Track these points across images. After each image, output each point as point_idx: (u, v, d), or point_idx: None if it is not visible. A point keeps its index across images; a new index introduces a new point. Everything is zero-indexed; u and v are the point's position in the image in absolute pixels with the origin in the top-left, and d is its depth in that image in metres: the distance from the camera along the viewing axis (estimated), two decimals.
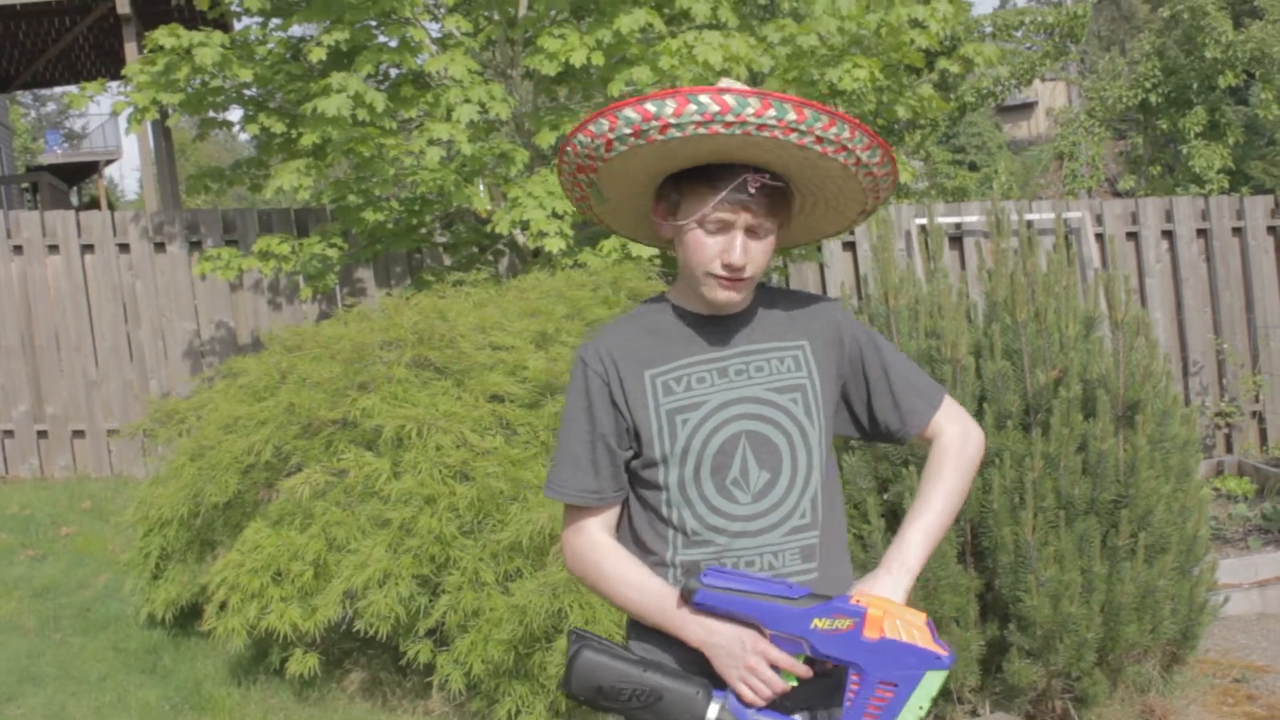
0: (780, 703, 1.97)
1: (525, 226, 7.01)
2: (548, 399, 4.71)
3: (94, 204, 29.87)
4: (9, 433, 8.86)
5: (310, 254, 7.58)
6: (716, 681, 1.98)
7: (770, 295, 2.16)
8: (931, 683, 1.89)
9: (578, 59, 6.76)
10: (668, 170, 2.03)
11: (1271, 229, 9.28)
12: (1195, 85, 14.49)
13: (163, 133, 13.44)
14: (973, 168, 25.01)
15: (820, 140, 1.91)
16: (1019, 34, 14.33)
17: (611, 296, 5.51)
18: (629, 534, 2.13)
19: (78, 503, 7.95)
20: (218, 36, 7.15)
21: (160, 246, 8.90)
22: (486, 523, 4.36)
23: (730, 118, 1.86)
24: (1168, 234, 9.26)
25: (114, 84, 9.40)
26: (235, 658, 5.03)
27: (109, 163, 30.24)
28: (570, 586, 4.02)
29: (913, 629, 1.89)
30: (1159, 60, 14.81)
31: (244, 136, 8.55)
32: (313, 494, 4.54)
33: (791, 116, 1.87)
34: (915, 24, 7.74)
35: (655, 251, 6.83)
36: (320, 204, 8.45)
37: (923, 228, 8.92)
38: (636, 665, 1.97)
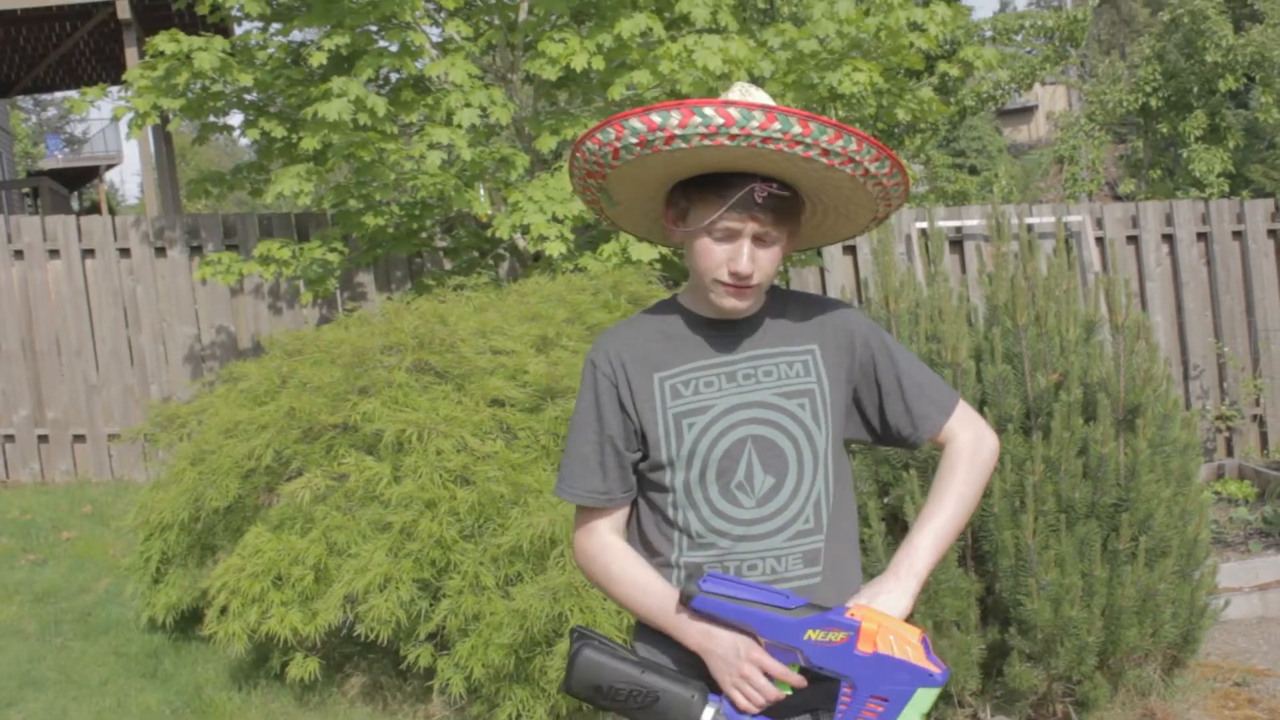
0: (777, 708, 1.97)
1: (526, 231, 7.01)
2: (548, 403, 4.71)
3: (95, 209, 29.88)
4: (10, 437, 8.87)
5: (311, 258, 7.59)
6: (714, 686, 1.99)
7: (783, 299, 2.16)
8: (923, 700, 1.90)
9: (578, 63, 6.77)
10: (677, 177, 2.04)
11: (1272, 232, 9.28)
12: (1195, 89, 14.50)
13: (163, 137, 13.45)
14: (973, 171, 25.02)
15: (827, 153, 1.91)
16: (1019, 38, 14.33)
17: (612, 301, 5.51)
18: (637, 534, 2.15)
19: (78, 507, 7.95)
20: (218, 41, 7.16)
21: (161, 251, 8.90)
22: (487, 527, 4.36)
23: (735, 130, 1.87)
24: (1168, 238, 9.26)
25: (115, 89, 9.42)
26: (236, 662, 5.03)
27: (109, 167, 30.26)
28: (570, 591, 4.02)
29: (906, 645, 1.89)
30: (1159, 64, 14.83)
31: (244, 141, 8.55)
32: (313, 498, 4.54)
33: (797, 130, 1.87)
34: (914, 27, 7.75)
35: (655, 255, 6.84)
36: (321, 208, 8.45)
37: (923, 231, 8.93)
38: (635, 666, 1.99)
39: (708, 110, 1.86)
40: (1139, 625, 4.17)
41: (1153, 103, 14.87)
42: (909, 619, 1.99)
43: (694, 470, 2.05)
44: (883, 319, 4.62)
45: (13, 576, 6.58)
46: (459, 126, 6.78)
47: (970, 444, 2.15)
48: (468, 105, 6.85)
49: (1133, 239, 9.24)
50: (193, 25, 9.77)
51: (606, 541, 2.12)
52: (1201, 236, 9.28)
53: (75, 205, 29.32)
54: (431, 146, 6.82)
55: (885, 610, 1.97)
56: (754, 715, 1.96)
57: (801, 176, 1.98)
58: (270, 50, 7.90)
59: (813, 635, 1.91)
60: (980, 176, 21.04)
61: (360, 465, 4.55)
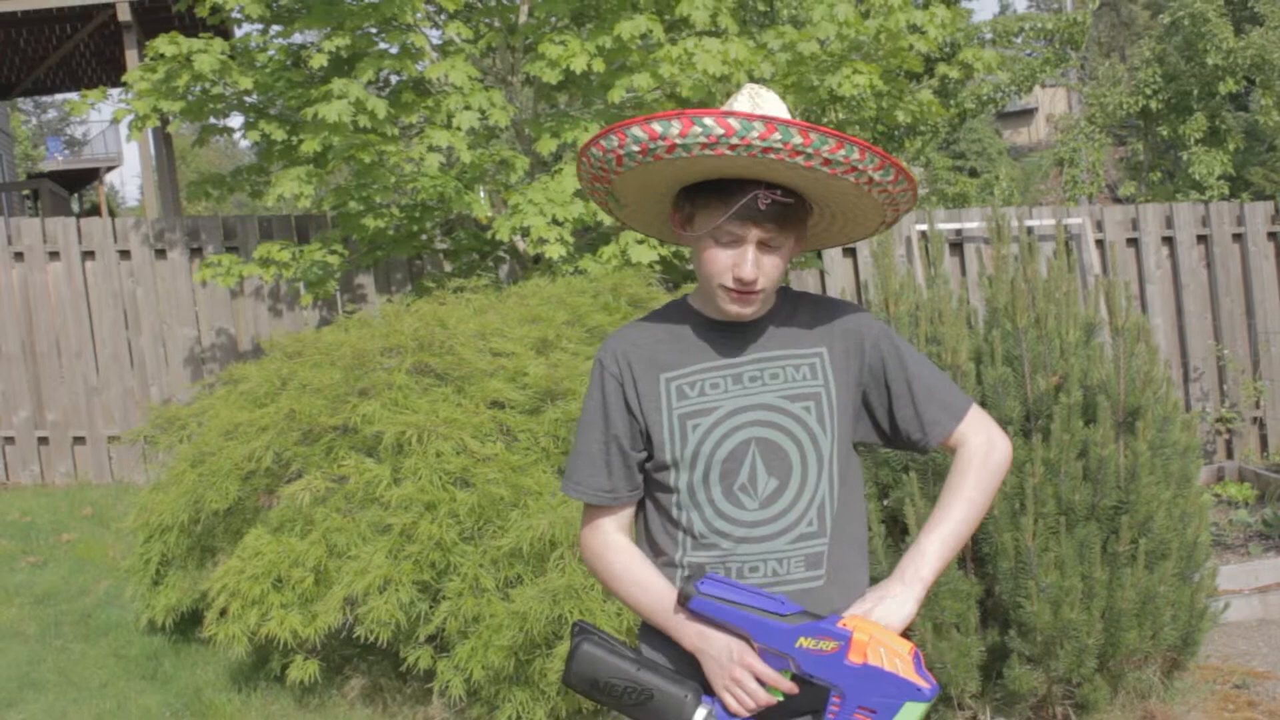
0: (774, 712, 1.98)
1: (526, 233, 7.02)
2: (548, 405, 4.71)
3: (95, 210, 29.90)
4: (10, 439, 8.87)
5: (311, 260, 7.59)
6: (710, 687, 2.01)
7: (794, 301, 2.17)
8: (910, 714, 1.90)
9: (578, 65, 6.78)
10: (683, 182, 2.05)
11: (1272, 235, 9.28)
12: (1196, 92, 14.49)
13: (163, 140, 13.46)
14: (973, 174, 25.03)
15: (828, 162, 1.91)
16: (1019, 40, 14.33)
17: (612, 303, 5.51)
18: (644, 533, 2.17)
19: (78, 509, 7.95)
20: (217, 44, 7.16)
21: (161, 253, 8.90)
22: (487, 529, 4.36)
23: (735, 140, 1.88)
24: (1168, 240, 9.26)
25: (115, 91, 9.43)
26: (236, 664, 5.03)
27: (110, 169, 30.26)
28: (570, 593, 4.02)
29: (896, 658, 1.90)
30: (1159, 67, 14.83)
31: (244, 143, 8.55)
32: (313, 500, 4.54)
33: (797, 140, 1.88)
34: (914, 29, 7.76)
35: (655, 258, 6.84)
36: (321, 211, 8.46)
37: (923, 234, 8.93)
38: (632, 663, 2.02)
39: (708, 120, 1.87)
40: (1139, 628, 4.17)
41: (1153, 105, 14.87)
42: (911, 625, 1.99)
43: (698, 471, 2.06)
44: (882, 321, 4.61)
45: (13, 578, 6.58)
46: (459, 129, 6.78)
47: (981, 449, 2.14)
48: (467, 108, 6.86)
49: (1133, 241, 9.24)
50: (193, 27, 9.78)
51: (611, 539, 2.14)
52: (1201, 239, 9.28)
53: (75, 207, 29.35)
54: (431, 149, 6.83)
55: (889, 615, 1.98)
56: (744, 718, 1.97)
57: (805, 184, 1.99)
58: (270, 52, 7.90)
59: (804, 643, 1.92)
60: (980, 179, 21.04)
61: (360, 467, 4.55)
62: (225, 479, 4.80)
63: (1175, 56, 14.72)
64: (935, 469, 4.25)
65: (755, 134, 1.87)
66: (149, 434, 6.05)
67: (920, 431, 2.14)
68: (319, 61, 7.15)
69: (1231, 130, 14.88)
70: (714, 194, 2.00)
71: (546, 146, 7.07)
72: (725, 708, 1.98)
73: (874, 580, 2.14)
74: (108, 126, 33.49)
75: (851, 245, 8.91)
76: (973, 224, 9.11)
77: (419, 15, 7.39)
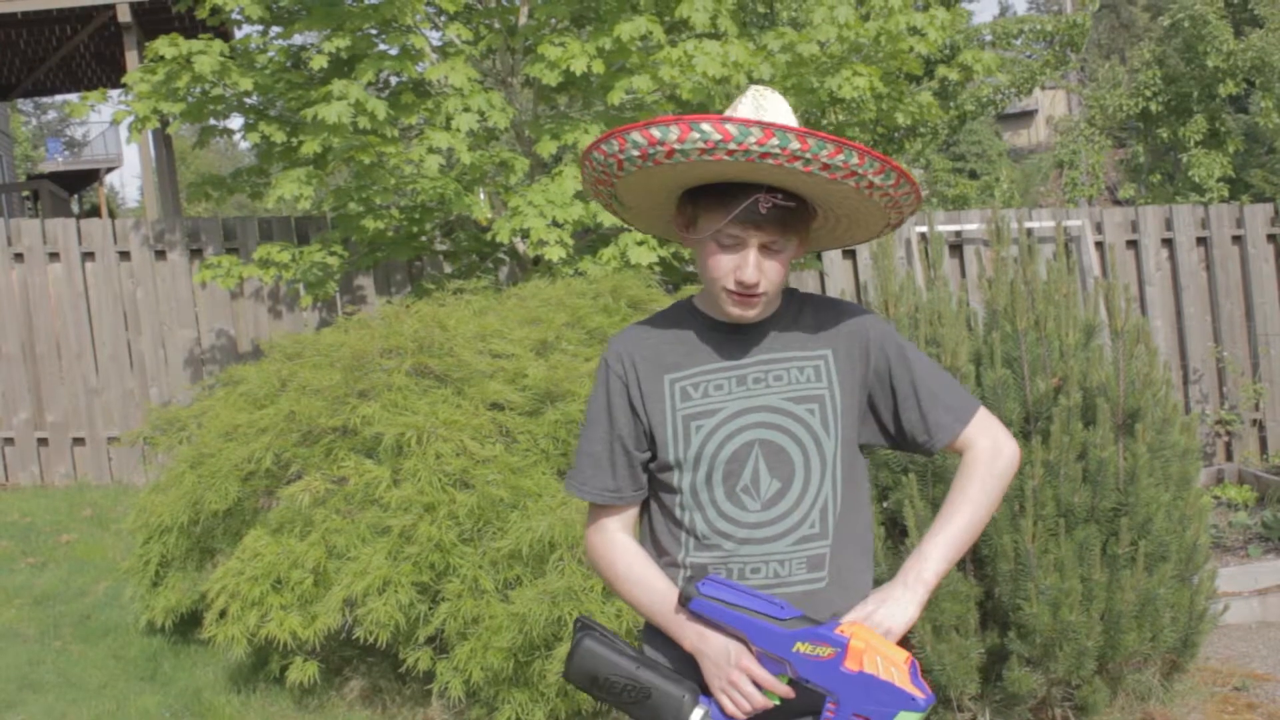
0: (776, 713, 1.98)
1: (526, 235, 7.02)
2: (547, 407, 4.71)
3: (95, 212, 29.91)
4: (9, 440, 8.87)
5: (310, 262, 7.59)
6: (708, 689, 2.02)
7: (800, 303, 2.17)
8: None
9: (578, 67, 6.78)
10: (685, 185, 2.05)
11: (1271, 237, 9.28)
12: (1196, 94, 14.48)
13: (163, 141, 13.45)
14: (973, 176, 25.04)
15: (827, 167, 1.92)
16: (1018, 42, 14.34)
17: (611, 304, 5.51)
18: (648, 533, 2.18)
19: (78, 510, 7.95)
20: (217, 45, 7.17)
21: (161, 254, 8.91)
22: (486, 530, 4.36)
23: (733, 146, 1.88)
24: (1168, 242, 9.26)
25: (115, 92, 9.43)
26: (235, 665, 5.02)
27: (110, 170, 30.30)
28: (569, 594, 4.02)
29: (892, 667, 1.91)
30: (1159, 69, 14.82)
31: (244, 144, 8.55)
32: (313, 501, 4.54)
33: (795, 146, 1.88)
34: (914, 32, 7.76)
35: (654, 259, 6.84)
36: (321, 212, 8.45)
37: (923, 236, 8.93)
38: (632, 661, 2.03)
39: (705, 126, 1.88)
40: (1138, 630, 4.17)
41: (1153, 107, 14.86)
42: (911, 628, 2.00)
43: (700, 472, 2.07)
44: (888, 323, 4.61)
45: (12, 579, 6.58)
46: (458, 130, 6.78)
47: (987, 452, 2.14)
48: (466, 109, 6.86)
49: (1132, 244, 9.25)
50: (193, 29, 9.76)
51: (614, 539, 2.15)
52: (1201, 241, 9.28)
53: (75, 208, 29.34)
54: (431, 150, 6.83)
55: (891, 617, 1.98)
56: None
57: (807, 188, 1.99)
58: (270, 54, 7.91)
59: (802, 648, 1.93)
60: (980, 181, 21.04)
61: (360, 469, 4.55)
62: (225, 480, 4.81)
63: (1175, 59, 14.71)
64: (935, 471, 4.25)
65: (753, 139, 1.87)
66: (149, 435, 6.05)
67: (926, 434, 2.14)
68: (319, 63, 7.16)
69: (1231, 132, 14.87)
70: (716, 197, 2.00)
71: (546, 149, 7.07)
72: (721, 709, 1.98)
73: (877, 583, 2.14)
74: (108, 128, 33.54)
75: (851, 247, 8.96)
76: (972, 226, 9.12)
77: (419, 17, 7.39)
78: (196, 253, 8.90)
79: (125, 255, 8.89)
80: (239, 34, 9.67)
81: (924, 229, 8.97)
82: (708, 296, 2.13)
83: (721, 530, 2.06)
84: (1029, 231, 4.80)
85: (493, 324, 5.15)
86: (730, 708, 1.98)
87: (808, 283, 9.11)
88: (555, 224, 6.84)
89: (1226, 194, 14.20)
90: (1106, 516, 4.19)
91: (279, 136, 7.37)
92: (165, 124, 8.56)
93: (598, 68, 6.84)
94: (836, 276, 9.11)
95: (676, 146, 1.90)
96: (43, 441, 8.88)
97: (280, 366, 5.34)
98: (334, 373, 4.95)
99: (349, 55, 7.30)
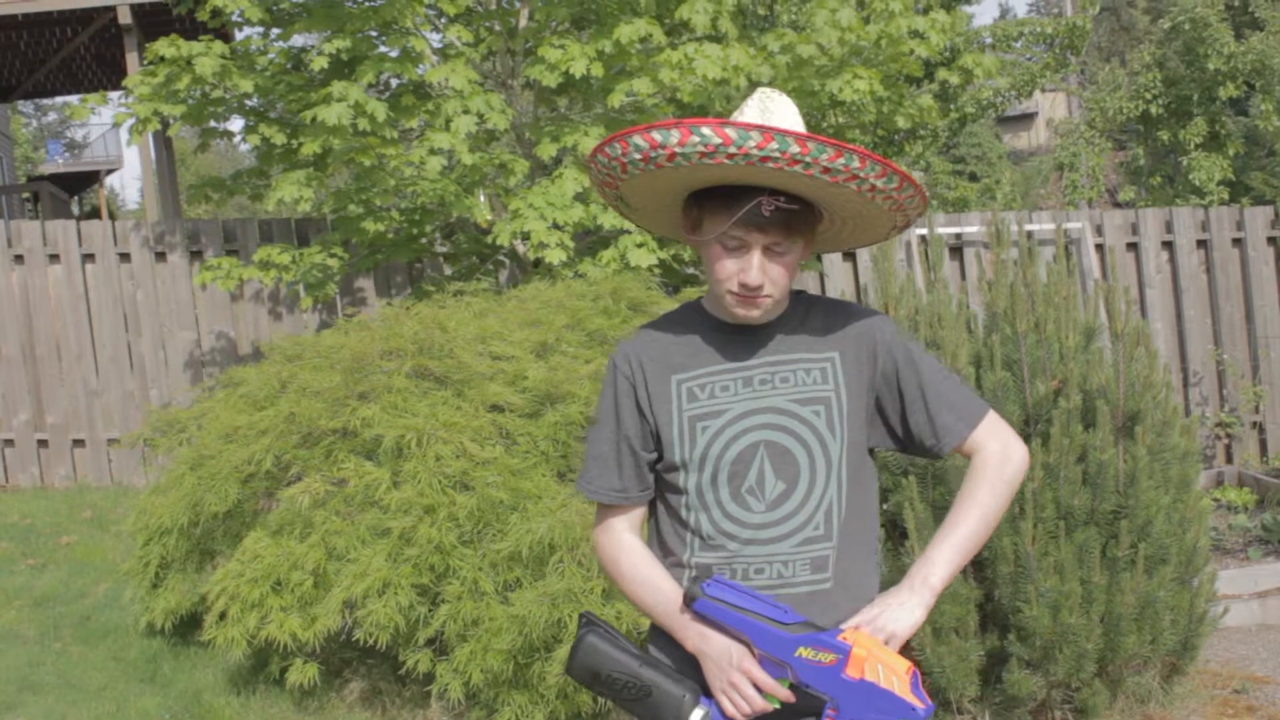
0: (778, 715, 1.98)
1: (526, 237, 7.01)
2: (548, 409, 4.71)
3: (95, 213, 29.92)
4: (10, 442, 8.87)
5: (311, 263, 7.59)
6: (709, 689, 2.02)
7: (808, 305, 2.18)
8: None
9: (578, 69, 6.78)
10: (690, 187, 2.06)
11: (1271, 240, 9.28)
12: (1196, 96, 14.48)
13: (164, 143, 13.46)
14: (973, 178, 25.03)
15: (827, 170, 1.92)
16: (1018, 45, 14.34)
17: (611, 307, 5.51)
18: (655, 534, 2.19)
19: (78, 512, 7.95)
20: (218, 46, 7.17)
21: (161, 256, 8.91)
22: (486, 532, 4.36)
23: (733, 150, 1.89)
24: (1168, 245, 9.26)
25: (115, 94, 9.44)
26: (235, 667, 5.02)
27: (110, 172, 30.31)
28: (569, 597, 4.02)
29: (893, 676, 1.91)
30: (1160, 71, 14.81)
31: (245, 147, 8.55)
32: (312, 503, 4.54)
33: (794, 150, 1.89)
34: (915, 35, 7.76)
35: (654, 261, 6.84)
36: (321, 214, 8.45)
37: (923, 238, 8.93)
38: (635, 659, 2.04)
39: (705, 130, 1.89)
40: (1138, 632, 4.17)
41: (1153, 110, 14.86)
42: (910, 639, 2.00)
43: (706, 473, 2.08)
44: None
45: (12, 581, 6.58)
46: (457, 133, 6.78)
47: (996, 456, 2.14)
48: (465, 111, 6.86)
49: (1132, 246, 9.25)
50: (193, 31, 9.76)
51: (621, 539, 2.17)
52: (1201, 244, 9.28)
53: (75, 210, 29.36)
54: (432, 152, 6.83)
55: (896, 622, 1.99)
56: None
57: (809, 191, 1.99)
58: (271, 56, 7.91)
59: (804, 653, 1.93)
60: (980, 183, 21.04)
61: (359, 470, 4.55)
62: (225, 482, 4.81)
63: (1175, 61, 14.70)
64: (935, 473, 4.25)
65: (752, 143, 1.88)
66: (149, 437, 6.05)
67: (934, 438, 2.14)
68: (319, 64, 7.16)
69: (1231, 135, 14.87)
70: (720, 200, 2.01)
71: (546, 151, 7.07)
72: (721, 710, 1.99)
73: (882, 587, 2.14)
74: (108, 129, 33.54)
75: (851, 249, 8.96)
76: (972, 228, 9.12)
77: (419, 19, 7.39)
78: (197, 254, 8.90)
79: (125, 257, 8.89)
80: (239, 36, 9.67)
81: (924, 231, 8.97)
82: (715, 298, 2.14)
83: (726, 531, 2.07)
84: (1029, 234, 4.81)
85: (493, 326, 5.15)
86: (730, 709, 1.98)
87: (807, 284, 9.11)
88: (556, 226, 6.84)
89: (1227, 197, 14.20)
90: (1106, 519, 4.19)
91: (279, 138, 7.38)
92: (166, 126, 8.56)
93: (597, 70, 6.85)
94: (836, 278, 9.11)
95: (677, 150, 1.92)
96: (43, 443, 8.88)
97: (280, 368, 5.34)
98: (334, 375, 4.95)
99: (349, 57, 7.30)
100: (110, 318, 8.87)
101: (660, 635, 2.12)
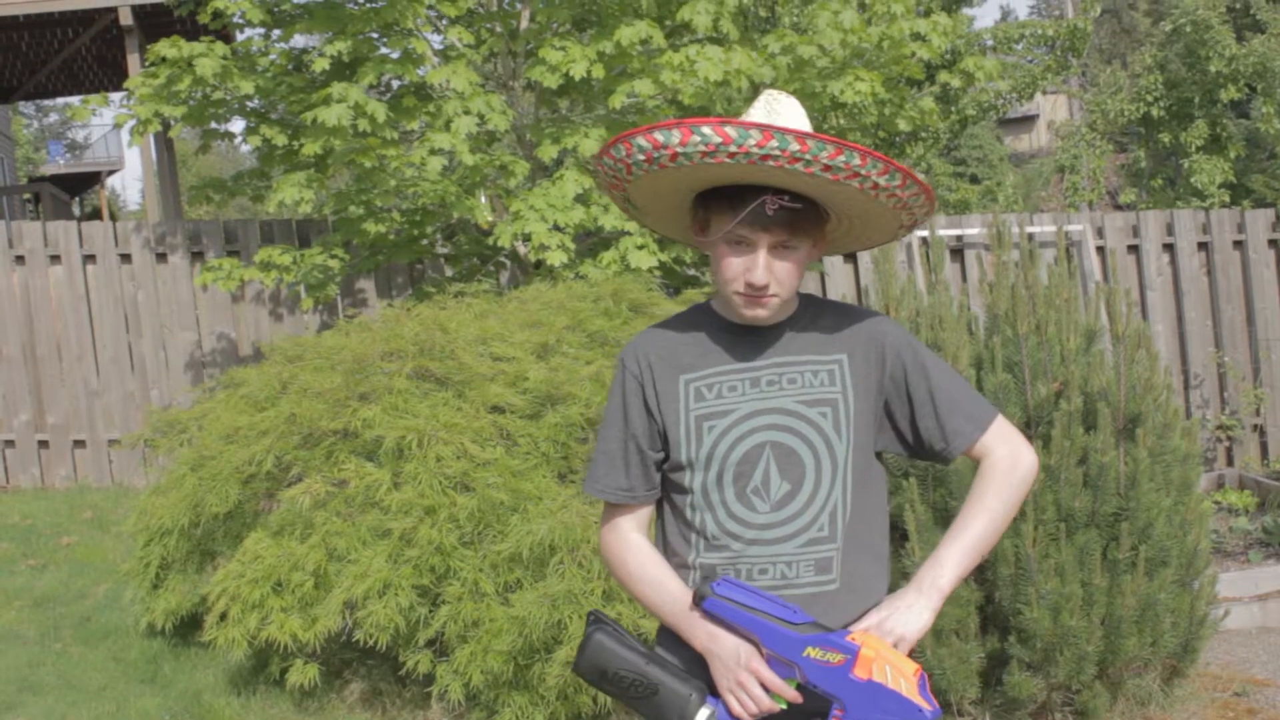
0: (784, 716, 1.98)
1: (527, 239, 7.01)
2: (548, 410, 4.71)
3: (96, 214, 29.93)
4: (10, 442, 8.87)
5: (311, 265, 7.59)
6: (716, 689, 2.02)
7: (817, 307, 2.18)
8: None
9: (578, 71, 6.78)
10: (695, 188, 2.07)
11: (1272, 242, 9.27)
12: (1197, 99, 14.47)
13: (165, 144, 13.48)
14: (974, 180, 25.03)
15: (828, 168, 1.93)
16: (1020, 47, 14.33)
17: (612, 308, 5.51)
18: (661, 534, 2.20)
19: (78, 512, 7.95)
20: (219, 48, 7.17)
21: (162, 257, 8.91)
22: (486, 534, 4.36)
23: (733, 148, 1.90)
24: (1169, 247, 9.26)
25: (116, 95, 9.44)
26: (235, 668, 5.02)
27: (111, 173, 30.33)
28: (570, 598, 4.02)
29: (900, 678, 1.91)
30: (1161, 74, 14.81)
31: (246, 148, 8.55)
32: (313, 504, 4.54)
33: (794, 148, 1.89)
34: (916, 37, 7.77)
35: (655, 263, 6.84)
36: (322, 215, 8.45)
37: (924, 240, 8.93)
38: (642, 657, 2.04)
39: (705, 129, 1.90)
40: (1138, 635, 4.17)
41: (1154, 112, 14.85)
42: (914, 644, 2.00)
43: (711, 473, 2.08)
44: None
45: (12, 581, 6.58)
46: (457, 133, 6.78)
47: (1005, 460, 2.13)
48: (466, 112, 6.86)
49: (1133, 248, 9.25)
50: (194, 32, 9.75)
51: (627, 538, 2.17)
52: (1202, 246, 9.27)
53: (77, 211, 29.37)
54: (432, 153, 6.83)
55: (904, 624, 1.99)
56: None
57: (811, 189, 2.00)
58: (272, 57, 7.91)
59: (812, 653, 1.93)
60: (982, 185, 21.04)
61: (360, 471, 4.55)
62: (225, 482, 4.81)
63: (1177, 63, 14.70)
64: (936, 475, 4.25)
65: (752, 142, 1.89)
66: (149, 437, 6.05)
67: (943, 441, 2.13)
68: (320, 65, 7.16)
69: (1233, 137, 14.86)
70: (725, 200, 2.02)
71: (547, 152, 7.07)
72: (728, 710, 1.99)
73: (890, 589, 2.14)
74: (109, 130, 33.56)
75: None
76: (973, 230, 9.11)
77: (420, 20, 7.39)
78: (197, 255, 8.90)
79: (126, 258, 8.89)
80: (240, 37, 9.68)
81: (925, 233, 8.97)
82: (723, 299, 2.15)
83: (730, 531, 2.07)
84: (1030, 236, 4.81)
85: (494, 327, 5.15)
86: (737, 708, 1.98)
87: (808, 285, 9.11)
88: (556, 228, 6.85)
89: (1228, 199, 14.20)
90: (1107, 521, 4.19)
91: (280, 139, 7.38)
92: (167, 127, 8.56)
93: (598, 72, 6.85)
94: (837, 280, 9.11)
95: (679, 150, 1.93)
96: (43, 444, 8.88)
97: (281, 369, 5.34)
98: (335, 375, 4.95)
99: (350, 59, 7.30)
100: (111, 318, 8.88)
101: (669, 636, 2.12)
